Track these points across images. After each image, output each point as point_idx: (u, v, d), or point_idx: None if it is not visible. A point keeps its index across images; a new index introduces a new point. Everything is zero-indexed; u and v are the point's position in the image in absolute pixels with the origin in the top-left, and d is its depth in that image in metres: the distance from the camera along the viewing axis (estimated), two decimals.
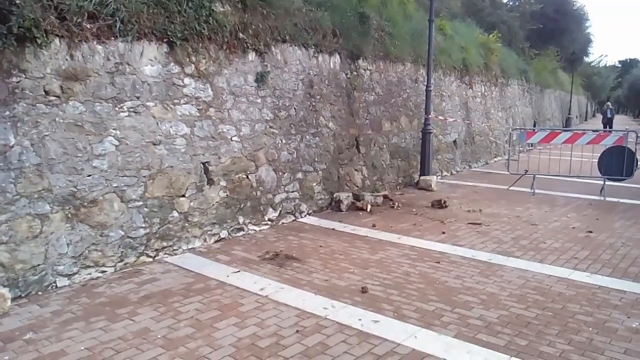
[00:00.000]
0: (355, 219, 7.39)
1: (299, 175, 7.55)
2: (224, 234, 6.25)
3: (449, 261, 5.54)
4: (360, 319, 4.01)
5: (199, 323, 3.91)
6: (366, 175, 9.15)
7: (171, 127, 5.73)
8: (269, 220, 6.93)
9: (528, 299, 4.49)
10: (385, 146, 9.87)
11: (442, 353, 3.49)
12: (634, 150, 9.38)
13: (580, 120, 41.84)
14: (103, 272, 4.97)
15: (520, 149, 12.18)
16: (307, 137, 7.80)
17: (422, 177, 10.21)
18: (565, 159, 9.97)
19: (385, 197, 8.66)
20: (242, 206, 6.54)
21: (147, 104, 5.51)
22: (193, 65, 6.01)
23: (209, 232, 6.07)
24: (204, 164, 6.08)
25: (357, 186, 8.82)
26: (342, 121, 8.66)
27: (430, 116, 10.22)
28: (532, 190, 9.74)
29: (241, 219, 6.51)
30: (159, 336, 3.68)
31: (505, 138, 15.84)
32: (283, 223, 7.11)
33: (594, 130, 10.51)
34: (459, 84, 13.53)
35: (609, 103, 26.76)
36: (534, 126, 20.04)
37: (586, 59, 42.80)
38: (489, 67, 15.67)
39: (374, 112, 9.64)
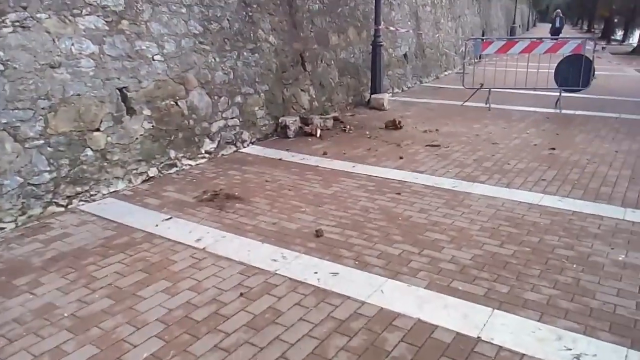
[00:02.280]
0: (304, 146, 6.65)
1: (238, 98, 6.62)
2: (152, 172, 5.37)
3: (410, 191, 4.97)
4: (316, 272, 3.38)
5: (118, 292, 3.16)
6: (314, 96, 8.30)
7: (73, 44, 4.62)
8: (206, 152, 6.07)
9: (501, 233, 4.01)
10: (333, 62, 8.96)
11: (415, 311, 2.94)
12: (591, 59, 8.94)
13: (523, 30, 41.65)
14: (1, 229, 4.06)
15: (471, 61, 11.59)
16: (245, 53, 6.78)
17: (373, 96, 9.48)
18: (521, 70, 9.46)
19: (335, 119, 7.92)
20: (172, 138, 5.62)
21: (38, 15, 4.36)
22: None
23: (135, 172, 5.18)
24: (120, 89, 5.05)
25: (305, 108, 7.99)
26: (285, 34, 7.63)
27: (380, 27, 9.30)
28: (488, 105, 9.26)
29: (173, 154, 5.62)
30: (65, 314, 2.91)
31: (460, 49, 15.15)
32: (223, 155, 6.27)
33: (552, 39, 9.93)
34: None
35: (559, 10, 25.61)
36: (483, 36, 19.44)
37: None
38: None
39: (320, 24, 8.61)
